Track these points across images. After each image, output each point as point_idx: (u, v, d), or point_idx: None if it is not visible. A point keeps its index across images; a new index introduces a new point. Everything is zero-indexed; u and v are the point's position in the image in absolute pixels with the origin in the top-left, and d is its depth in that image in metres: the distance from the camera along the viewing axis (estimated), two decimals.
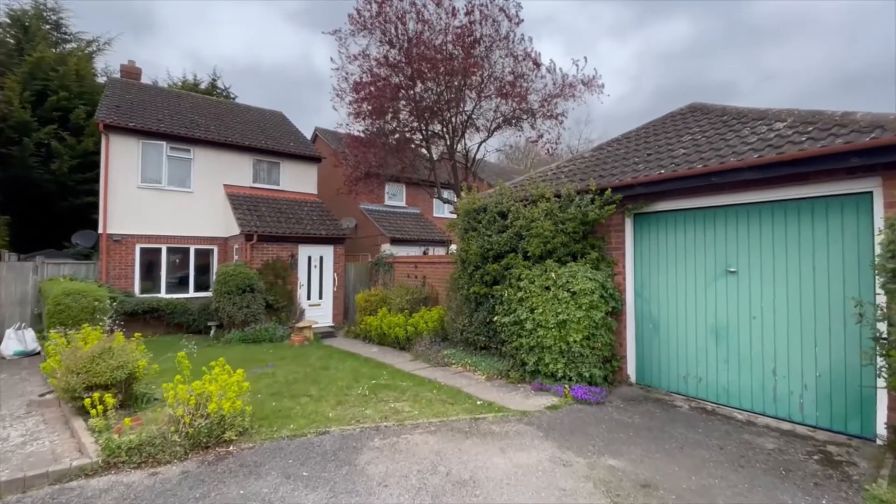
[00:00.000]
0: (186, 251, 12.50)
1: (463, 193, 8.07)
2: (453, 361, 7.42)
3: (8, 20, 15.40)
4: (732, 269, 5.39)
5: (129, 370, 5.03)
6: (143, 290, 11.81)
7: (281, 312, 11.46)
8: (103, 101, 12.45)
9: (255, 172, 13.78)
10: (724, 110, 7.14)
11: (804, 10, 46.00)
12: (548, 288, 5.98)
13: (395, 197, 18.63)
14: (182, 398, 4.23)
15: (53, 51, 15.18)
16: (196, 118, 13.68)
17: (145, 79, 16.81)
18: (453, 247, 19.09)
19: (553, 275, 5.93)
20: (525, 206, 6.85)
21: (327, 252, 12.68)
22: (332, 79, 31.37)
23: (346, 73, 12.63)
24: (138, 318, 11.26)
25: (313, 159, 14.94)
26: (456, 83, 12.04)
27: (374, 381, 6.34)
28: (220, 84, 24.71)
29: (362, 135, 13.28)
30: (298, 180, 14.61)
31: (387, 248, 14.27)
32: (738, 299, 5.35)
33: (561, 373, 5.75)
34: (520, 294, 6.26)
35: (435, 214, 19.93)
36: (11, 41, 15.52)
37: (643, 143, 7.36)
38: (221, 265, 10.78)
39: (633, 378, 6.32)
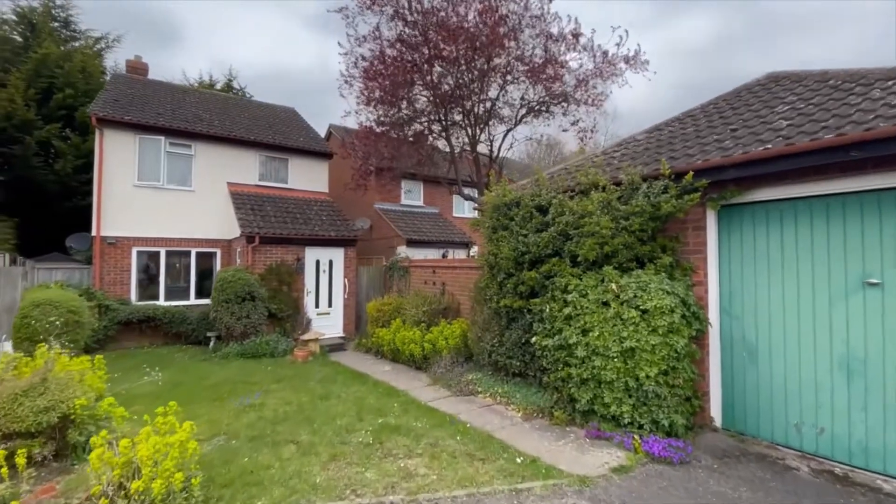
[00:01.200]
0: (187, 254, 11.55)
1: (491, 185, 6.73)
2: (480, 389, 6.06)
3: (15, 17, 14.91)
4: (874, 281, 3.86)
5: (62, 412, 3.87)
6: (141, 297, 10.91)
7: (285, 322, 10.34)
8: (101, 95, 11.65)
9: (261, 170, 12.77)
10: (825, 74, 5.58)
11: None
12: (606, 304, 4.56)
13: (412, 195, 17.40)
14: (110, 462, 3.03)
15: (60, 48, 14.56)
16: (200, 113, 12.77)
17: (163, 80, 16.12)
18: (475, 249, 17.73)
19: (614, 286, 4.50)
20: (571, 197, 5.44)
21: (337, 255, 11.52)
22: (341, 64, 30.08)
23: (356, 58, 11.45)
24: (133, 327, 10.34)
25: (324, 155, 13.85)
26: (479, 64, 10.69)
27: (381, 420, 5.04)
28: (235, 84, 24.11)
29: (373, 124, 12.04)
30: (308, 178, 13.54)
31: (402, 251, 13.03)
32: (884, 322, 3.81)
33: (628, 418, 4.32)
34: (567, 310, 4.85)
35: (455, 214, 18.63)
36: (19, 39, 15.04)
37: (719, 119, 5.85)
38: (220, 271, 9.75)
39: (717, 421, 4.82)
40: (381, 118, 11.88)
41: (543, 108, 11.69)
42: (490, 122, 12.71)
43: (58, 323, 6.66)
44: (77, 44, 16.73)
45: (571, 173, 6.09)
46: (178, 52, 42.68)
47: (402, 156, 12.73)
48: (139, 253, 10.91)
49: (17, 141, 13.23)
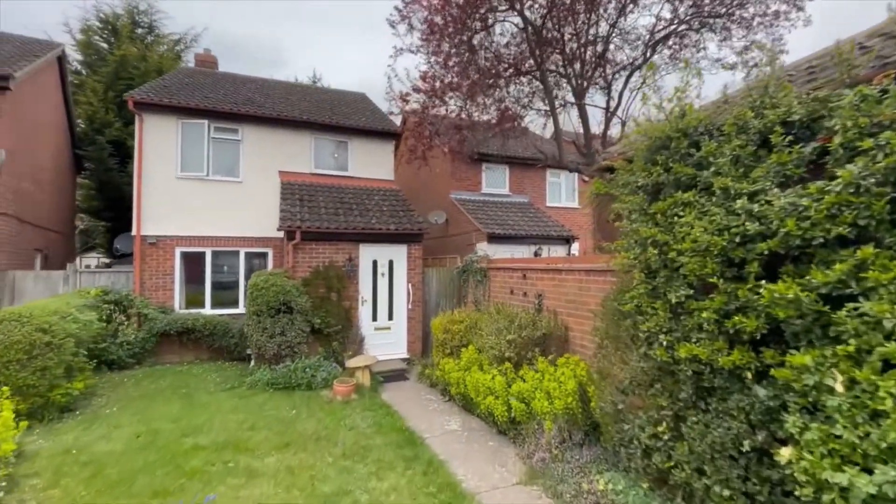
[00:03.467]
0: (235, 255, 10.03)
1: (639, 114, 3.54)
2: None
3: (99, 23, 15.19)
4: None
5: None
6: (185, 305, 9.60)
7: (333, 340, 8.12)
8: (153, 83, 10.71)
9: (315, 155, 10.88)
10: None
11: None
12: None
13: (494, 180, 14.45)
14: None
15: (135, 49, 14.41)
16: (254, 97, 11.31)
17: None
18: (576, 246, 14.18)
19: None
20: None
21: (399, 254, 9.06)
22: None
23: None
24: (173, 339, 8.97)
25: (389, 135, 11.57)
26: None
27: None
28: (321, 85, 23.46)
29: (434, 66, 9.25)
30: (370, 163, 11.36)
31: (483, 249, 10.16)
32: None
33: None
34: None
35: (549, 203, 15.26)
36: (104, 45, 15.32)
37: None
38: (254, 275, 7.87)
39: None
40: (446, 53, 8.99)
41: (698, 24, 7.89)
42: (599, 70, 9.27)
43: (27, 344, 5.01)
44: (162, 48, 16.83)
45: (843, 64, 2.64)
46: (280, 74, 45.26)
47: (479, 91, 9.63)
48: (183, 254, 9.59)
49: (95, 142, 13.15)
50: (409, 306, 8.96)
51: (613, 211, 3.58)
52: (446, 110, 10.35)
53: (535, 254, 11.24)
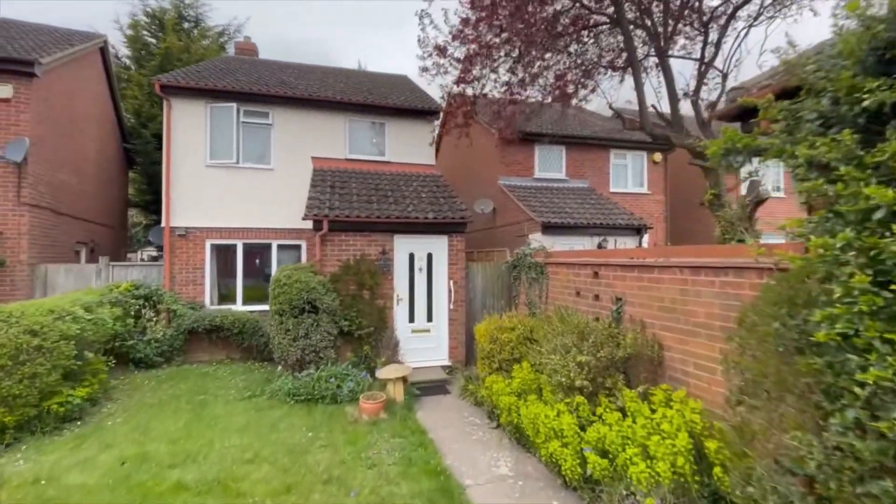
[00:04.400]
0: (267, 248, 9.38)
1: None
2: None
3: (146, 18, 15.29)
4: None
5: None
6: (217, 300, 9.09)
7: (364, 343, 7.14)
8: (184, 69, 10.28)
9: (350, 139, 9.96)
10: None
11: None
12: None
13: (550, 162, 12.87)
14: None
15: (180, 42, 14.30)
16: (288, 79, 10.60)
17: None
18: (646, 238, 12.27)
19: None
20: None
21: (439, 246, 7.90)
22: None
23: None
24: (202, 337, 8.45)
25: (429, 114, 10.42)
26: None
27: None
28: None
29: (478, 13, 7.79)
30: (409, 147, 10.28)
31: (536, 241, 8.76)
32: None
33: None
34: None
35: (613, 189, 13.44)
36: (151, 39, 15.41)
37: None
38: (278, 270, 7.06)
39: None
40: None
41: None
42: (683, 21, 7.48)
43: (13, 346, 4.40)
44: (207, 41, 16.78)
45: None
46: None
47: (535, 44, 7.98)
48: (213, 247, 9.05)
49: (141, 136, 13.16)
50: (451, 306, 7.79)
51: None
52: (495, 77, 8.95)
53: (599, 246, 9.63)
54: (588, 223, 9.98)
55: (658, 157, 14.03)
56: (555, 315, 5.08)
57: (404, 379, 6.25)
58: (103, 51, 11.53)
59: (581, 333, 4.04)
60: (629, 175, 13.96)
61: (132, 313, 8.08)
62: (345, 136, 9.85)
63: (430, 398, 6.36)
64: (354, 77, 12.76)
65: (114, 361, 6.77)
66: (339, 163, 9.59)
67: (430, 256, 7.84)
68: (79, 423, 5.10)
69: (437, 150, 17.60)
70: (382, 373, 6.12)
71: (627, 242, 10.02)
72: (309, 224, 8.79)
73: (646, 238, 10.82)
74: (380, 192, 8.46)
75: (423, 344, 7.70)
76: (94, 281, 8.58)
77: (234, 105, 9.05)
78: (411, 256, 7.75)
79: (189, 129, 8.88)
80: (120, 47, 15.24)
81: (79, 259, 10.52)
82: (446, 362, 7.73)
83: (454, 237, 7.88)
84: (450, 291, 7.76)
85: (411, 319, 7.72)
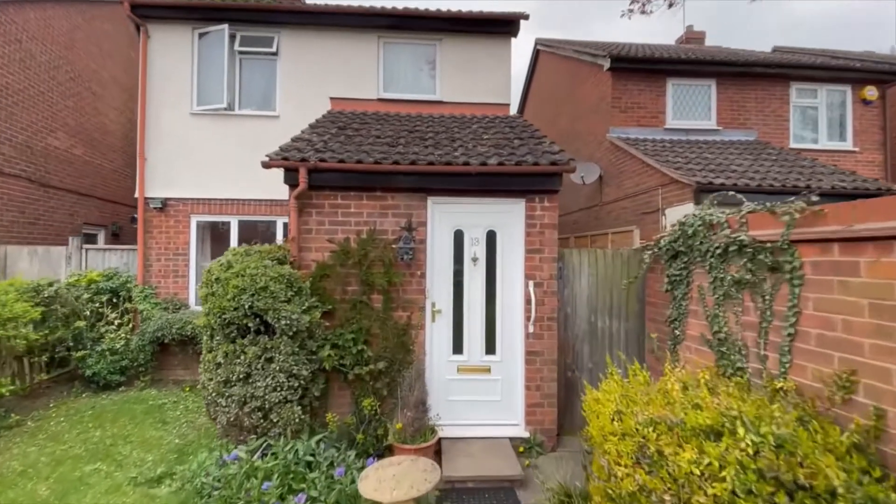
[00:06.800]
0: (271, 226, 6.74)
1: None
2: None
3: None
4: None
5: None
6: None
7: (365, 388, 3.95)
8: None
9: (385, 70, 6.87)
10: None
11: None
12: None
13: (690, 105, 8.51)
14: None
15: None
16: None
17: None
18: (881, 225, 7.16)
19: None
20: None
21: (507, 218, 4.34)
22: None
23: None
24: (174, 350, 6.05)
25: (504, 24, 6.87)
26: None
27: None
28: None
29: None
30: (472, 78, 6.87)
31: (682, 213, 4.73)
32: None
33: None
34: None
35: (792, 145, 8.61)
36: None
37: None
38: (224, 255, 4.18)
39: None
40: None
41: None
42: None
43: None
44: None
45: None
46: None
47: None
48: (200, 225, 6.63)
49: None
50: (531, 327, 4.22)
51: None
52: None
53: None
54: (781, 187, 5.62)
55: (871, 92, 8.77)
56: None
57: (428, 481, 2.87)
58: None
59: None
60: (822, 122, 8.94)
61: (88, 313, 5.94)
62: (377, 67, 6.78)
63: None
64: None
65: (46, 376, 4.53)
66: (368, 104, 6.54)
67: (491, 237, 4.35)
68: None
69: (523, 104, 13.92)
70: (370, 489, 2.79)
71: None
72: None
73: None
74: (415, 133, 5.19)
75: (478, 394, 4.26)
76: (63, 267, 6.66)
77: (226, 28, 6.48)
78: (458, 236, 4.35)
79: (171, 66, 6.53)
80: None
81: (95, 243, 9.01)
82: (520, 430, 4.19)
83: (538, 201, 4.28)
84: (531, 299, 4.18)
85: (457, 349, 4.32)
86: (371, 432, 3.86)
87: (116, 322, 6.02)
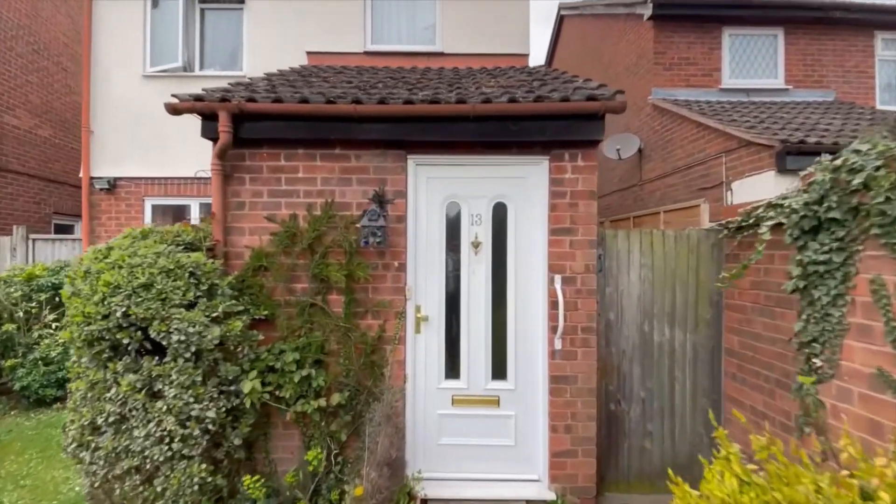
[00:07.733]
0: None
1: None
2: None
3: None
4: None
5: None
6: None
7: (314, 431, 2.73)
8: None
9: (373, 17, 5.61)
10: None
11: None
12: None
13: (751, 60, 6.93)
14: None
15: None
16: None
17: None
18: None
19: None
20: None
21: (526, 183, 3.02)
22: None
23: None
24: None
25: None
26: None
27: None
28: None
29: None
30: (482, 22, 5.53)
31: (761, 183, 3.29)
32: None
33: None
34: None
35: (881, 105, 6.91)
36: None
37: None
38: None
39: None
40: None
41: None
42: None
43: None
44: None
45: None
46: None
47: None
48: (156, 210, 5.58)
49: None
50: (559, 342, 2.90)
51: None
52: None
53: None
54: None
55: None
56: None
57: None
58: None
59: None
60: None
61: (21, 314, 4.98)
62: (364, 14, 5.52)
63: None
64: None
65: None
66: (353, 58, 5.31)
67: (499, 213, 3.05)
68: None
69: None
70: None
71: None
72: None
73: None
74: (400, 81, 3.91)
75: (482, 436, 2.98)
76: (7, 260, 5.74)
77: None
78: (453, 212, 3.06)
79: (119, 20, 5.47)
80: None
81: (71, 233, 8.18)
82: (542, 489, 2.89)
83: (569, 159, 2.94)
84: (559, 298, 2.86)
85: (451, 372, 3.04)
86: (325, 496, 2.65)
87: (55, 325, 5.03)
